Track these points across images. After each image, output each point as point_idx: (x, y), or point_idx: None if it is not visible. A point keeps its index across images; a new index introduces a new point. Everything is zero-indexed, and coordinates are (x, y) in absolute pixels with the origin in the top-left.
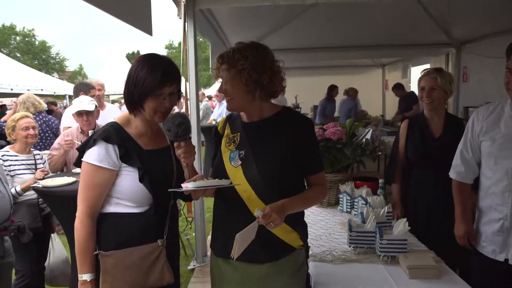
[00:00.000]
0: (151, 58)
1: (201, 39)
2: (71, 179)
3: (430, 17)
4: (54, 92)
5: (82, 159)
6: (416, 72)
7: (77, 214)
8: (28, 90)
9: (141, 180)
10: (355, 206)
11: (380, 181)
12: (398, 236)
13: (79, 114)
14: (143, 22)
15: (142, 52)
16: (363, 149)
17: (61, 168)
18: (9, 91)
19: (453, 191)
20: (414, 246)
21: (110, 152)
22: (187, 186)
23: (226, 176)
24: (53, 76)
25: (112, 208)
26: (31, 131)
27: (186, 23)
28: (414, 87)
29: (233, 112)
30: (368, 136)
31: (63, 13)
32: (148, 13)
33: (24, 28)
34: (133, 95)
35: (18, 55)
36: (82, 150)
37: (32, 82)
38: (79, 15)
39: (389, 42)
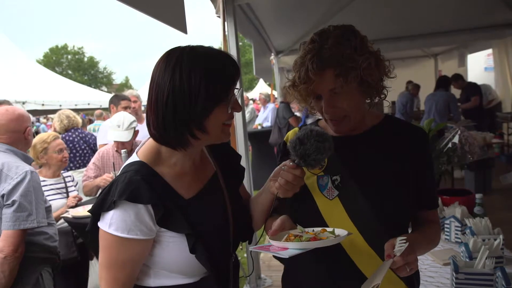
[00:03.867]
0: (193, 51)
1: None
2: None
3: None
4: (101, 105)
5: (98, 225)
6: (475, 59)
7: None
8: (76, 105)
9: (192, 251)
10: (445, 229)
11: (478, 196)
12: None
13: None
14: (176, 20)
15: None
16: (449, 156)
17: (95, 192)
18: (58, 107)
19: None
20: None
21: (142, 216)
22: (285, 246)
23: (318, 214)
24: (102, 90)
25: (152, 280)
26: (65, 153)
27: (225, 22)
28: (472, 76)
29: (301, 120)
30: (456, 140)
31: (107, 30)
32: (182, 11)
33: (74, 46)
34: (190, 114)
35: (70, 72)
36: (96, 212)
37: (79, 97)
38: (122, 30)
39: (442, 28)
